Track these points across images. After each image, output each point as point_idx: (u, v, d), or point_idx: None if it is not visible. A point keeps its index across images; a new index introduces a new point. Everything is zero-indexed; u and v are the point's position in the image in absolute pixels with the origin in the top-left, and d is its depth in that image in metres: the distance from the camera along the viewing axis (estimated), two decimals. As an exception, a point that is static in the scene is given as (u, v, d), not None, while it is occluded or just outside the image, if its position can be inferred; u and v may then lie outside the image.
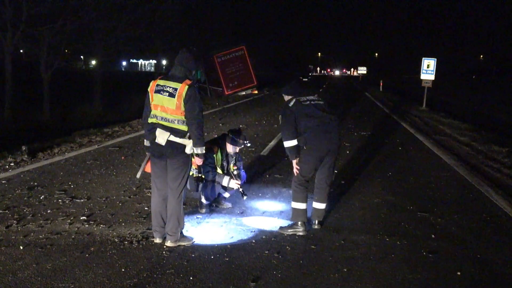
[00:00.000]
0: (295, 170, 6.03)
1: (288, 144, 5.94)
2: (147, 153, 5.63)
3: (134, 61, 75.39)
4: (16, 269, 4.69)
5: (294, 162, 6.01)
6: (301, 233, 5.83)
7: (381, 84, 45.92)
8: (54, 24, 20.11)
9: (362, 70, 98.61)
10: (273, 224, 6.19)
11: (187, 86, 5.20)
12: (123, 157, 10.03)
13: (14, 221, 6.02)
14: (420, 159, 10.71)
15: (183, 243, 5.41)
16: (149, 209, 6.33)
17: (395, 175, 9.03)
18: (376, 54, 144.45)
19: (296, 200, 6.01)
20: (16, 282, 4.43)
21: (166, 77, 5.39)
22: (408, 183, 8.48)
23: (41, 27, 19.82)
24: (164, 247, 5.31)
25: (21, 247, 5.23)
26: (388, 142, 13.12)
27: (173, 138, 5.25)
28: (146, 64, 76.30)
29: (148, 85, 5.36)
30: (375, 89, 45.36)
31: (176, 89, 5.20)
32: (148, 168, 5.67)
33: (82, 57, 54.55)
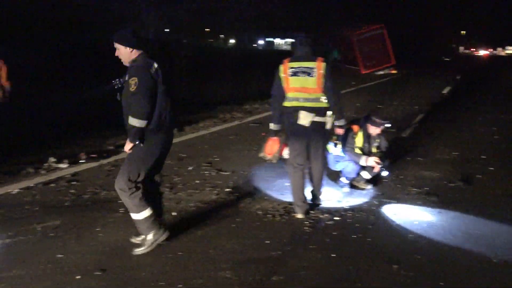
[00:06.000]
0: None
1: None
2: (275, 138, 5.81)
3: (271, 39, 76.50)
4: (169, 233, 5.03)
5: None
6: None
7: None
8: (191, 4, 21.11)
9: (510, 50, 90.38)
10: (418, 209, 5.99)
11: (324, 63, 5.38)
12: (263, 133, 10.26)
13: (167, 189, 6.47)
14: None
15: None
16: (289, 185, 6.46)
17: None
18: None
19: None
20: (169, 244, 4.74)
21: (295, 58, 5.53)
22: None
23: (178, 7, 20.91)
24: (307, 222, 5.41)
25: (174, 213, 5.63)
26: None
27: (317, 119, 5.45)
28: (283, 43, 77.06)
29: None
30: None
31: (312, 68, 5.37)
32: (281, 153, 5.86)
33: (222, 36, 56.67)
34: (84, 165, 7.48)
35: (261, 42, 73.94)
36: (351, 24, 35.74)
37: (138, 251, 4.50)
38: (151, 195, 4.69)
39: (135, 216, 4.50)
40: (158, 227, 4.57)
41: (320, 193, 5.96)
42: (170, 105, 4.52)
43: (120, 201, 5.68)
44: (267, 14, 27.58)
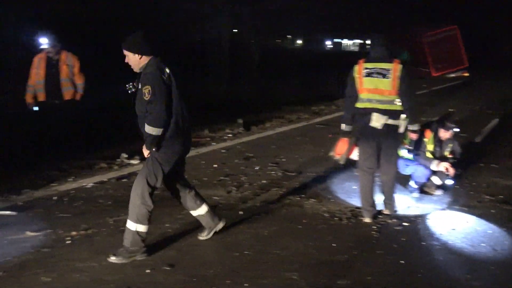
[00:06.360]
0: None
1: None
2: (346, 138, 5.73)
3: (339, 40, 75.93)
4: (236, 231, 5.08)
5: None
6: None
7: None
8: (256, 5, 21.33)
9: None
10: (491, 217, 5.73)
11: (400, 65, 5.28)
12: (330, 135, 10.18)
13: (234, 188, 6.55)
14: None
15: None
16: (357, 188, 6.38)
17: None
18: None
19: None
20: (236, 242, 4.83)
21: (370, 59, 5.45)
22: None
23: (243, 8, 21.17)
24: (374, 227, 5.32)
25: (240, 212, 5.67)
26: None
27: (390, 121, 5.35)
28: (351, 44, 76.25)
29: (347, 65, 5.49)
30: None
31: (388, 70, 5.29)
32: (350, 154, 5.78)
33: (289, 36, 56.79)
34: (154, 162, 7.66)
35: (328, 43, 73.60)
36: (422, 25, 34.72)
37: (113, 259, 4.28)
38: (183, 199, 4.76)
39: (130, 224, 4.34)
40: (141, 247, 4.36)
41: (393, 201, 5.71)
42: (186, 110, 4.41)
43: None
44: (335, 14, 27.44)
